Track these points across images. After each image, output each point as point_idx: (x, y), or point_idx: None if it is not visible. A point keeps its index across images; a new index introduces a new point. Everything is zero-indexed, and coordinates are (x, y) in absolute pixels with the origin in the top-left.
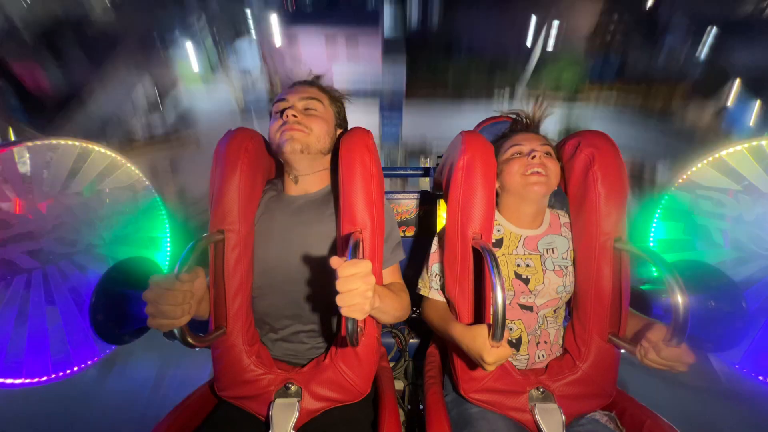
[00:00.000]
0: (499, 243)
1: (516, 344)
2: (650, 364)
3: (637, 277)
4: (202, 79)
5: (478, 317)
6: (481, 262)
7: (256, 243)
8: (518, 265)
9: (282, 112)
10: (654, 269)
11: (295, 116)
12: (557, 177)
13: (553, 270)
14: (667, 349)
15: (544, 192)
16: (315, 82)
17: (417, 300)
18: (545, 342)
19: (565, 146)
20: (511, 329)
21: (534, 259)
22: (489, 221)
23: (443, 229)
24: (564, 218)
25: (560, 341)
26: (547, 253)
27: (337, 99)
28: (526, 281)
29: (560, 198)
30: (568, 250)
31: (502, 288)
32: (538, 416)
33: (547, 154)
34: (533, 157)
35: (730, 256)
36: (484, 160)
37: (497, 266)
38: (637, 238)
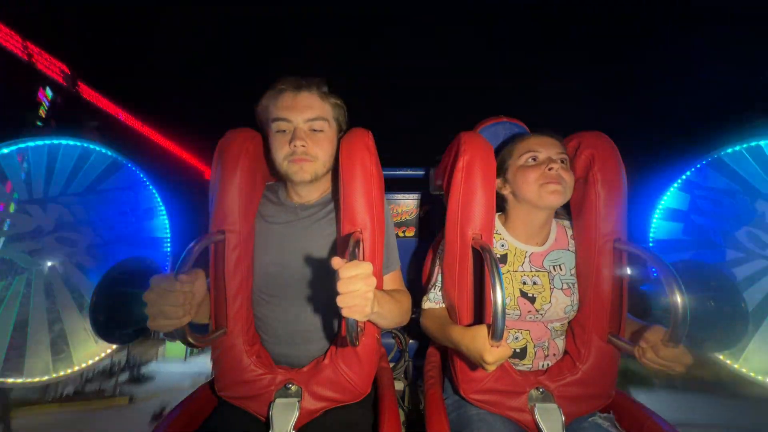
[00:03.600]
0: (503, 259)
1: (520, 354)
2: (648, 363)
3: (637, 277)
4: None
5: (478, 317)
6: (481, 262)
7: (256, 248)
8: (524, 283)
9: (289, 140)
10: (654, 269)
11: (303, 146)
12: (571, 186)
13: (561, 289)
14: (666, 350)
15: (560, 202)
16: (314, 87)
17: (417, 300)
18: (554, 354)
19: (566, 148)
20: (517, 338)
21: (542, 277)
22: (489, 221)
23: (440, 235)
24: (571, 231)
25: (565, 349)
26: (555, 270)
27: (338, 105)
28: (532, 300)
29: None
30: (575, 266)
31: (502, 288)
32: (537, 416)
33: (562, 162)
34: (550, 169)
35: (730, 256)
36: (484, 161)
37: (497, 266)
38: (636, 238)
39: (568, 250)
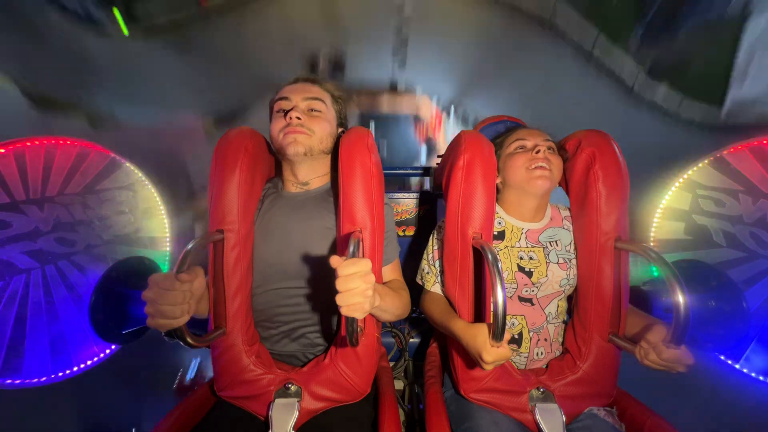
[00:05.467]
0: (501, 235)
1: (517, 340)
2: (650, 365)
3: (638, 276)
4: None
5: (478, 317)
6: (482, 261)
7: (255, 241)
8: (521, 258)
9: (285, 112)
10: (654, 269)
11: (299, 118)
12: (560, 172)
13: (557, 263)
14: (668, 351)
15: (547, 186)
16: (317, 80)
17: (417, 299)
18: (545, 339)
19: (566, 145)
20: (513, 324)
21: (537, 252)
22: (489, 221)
23: (442, 224)
24: (565, 211)
25: (560, 339)
26: (551, 245)
27: (338, 98)
28: (530, 274)
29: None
30: (571, 243)
31: (503, 288)
32: (538, 416)
33: (549, 149)
34: (537, 151)
35: (730, 256)
36: (484, 160)
37: (498, 266)
38: (637, 237)
39: (563, 228)
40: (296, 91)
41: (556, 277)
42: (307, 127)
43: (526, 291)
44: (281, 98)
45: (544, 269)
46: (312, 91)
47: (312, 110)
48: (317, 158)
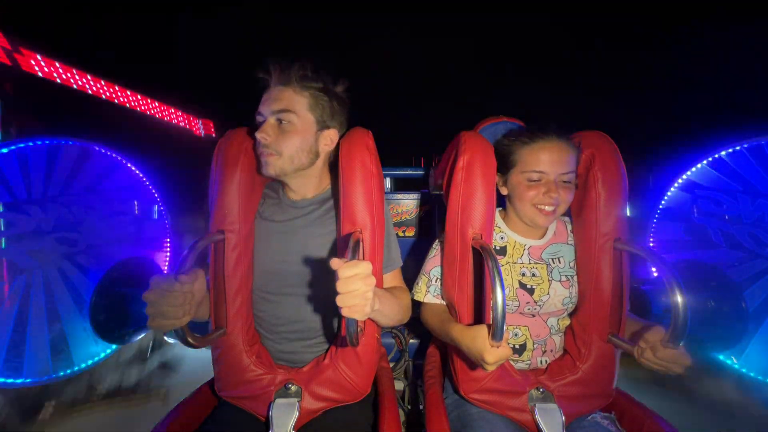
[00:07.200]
0: (503, 251)
1: (519, 350)
2: (647, 363)
3: (637, 277)
4: None
5: (478, 318)
6: (481, 262)
7: (256, 247)
8: (523, 275)
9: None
10: (654, 269)
11: (265, 139)
12: (567, 205)
13: (560, 281)
14: (665, 350)
15: (549, 224)
16: (293, 81)
17: (417, 301)
18: (551, 350)
19: (578, 154)
20: (516, 335)
21: (540, 269)
22: (489, 221)
23: (443, 233)
24: (570, 225)
25: (563, 347)
26: (554, 262)
27: (320, 97)
28: (531, 291)
29: None
30: (575, 259)
31: (502, 288)
32: (537, 416)
33: (566, 182)
34: (549, 191)
35: (729, 256)
36: (484, 161)
37: (497, 266)
38: (637, 238)
39: (567, 243)
40: (267, 103)
41: (559, 295)
42: (274, 148)
43: (528, 309)
44: (258, 113)
45: (546, 286)
46: (282, 100)
47: (282, 123)
48: (298, 173)
